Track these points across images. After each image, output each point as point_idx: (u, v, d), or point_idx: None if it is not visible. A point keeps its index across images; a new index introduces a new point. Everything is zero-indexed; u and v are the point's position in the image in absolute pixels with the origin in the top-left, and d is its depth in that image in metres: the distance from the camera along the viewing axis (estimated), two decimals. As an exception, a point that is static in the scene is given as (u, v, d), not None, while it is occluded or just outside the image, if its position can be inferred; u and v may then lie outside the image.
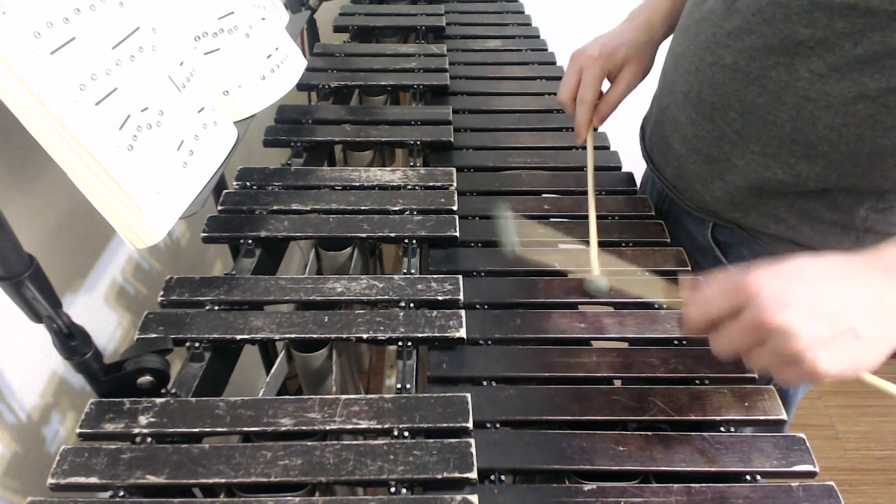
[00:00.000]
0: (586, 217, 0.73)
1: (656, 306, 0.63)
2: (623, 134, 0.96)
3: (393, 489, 0.46)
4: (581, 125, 0.74)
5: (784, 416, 0.53)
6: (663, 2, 0.76)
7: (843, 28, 0.53)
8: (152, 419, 0.50)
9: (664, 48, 0.77)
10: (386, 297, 0.60)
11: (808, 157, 0.60)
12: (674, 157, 0.72)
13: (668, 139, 0.73)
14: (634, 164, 0.88)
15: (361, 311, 0.59)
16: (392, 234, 0.68)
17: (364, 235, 0.67)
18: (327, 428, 0.49)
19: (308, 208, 0.70)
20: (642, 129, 0.84)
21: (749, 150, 0.63)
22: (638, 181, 0.83)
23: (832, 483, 0.48)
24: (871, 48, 0.53)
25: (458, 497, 0.45)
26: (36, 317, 0.46)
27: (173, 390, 0.54)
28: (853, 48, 0.53)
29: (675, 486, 0.47)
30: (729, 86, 0.62)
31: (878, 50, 0.53)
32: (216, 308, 0.59)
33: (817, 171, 0.60)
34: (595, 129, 0.76)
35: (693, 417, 0.52)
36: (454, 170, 0.77)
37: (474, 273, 0.66)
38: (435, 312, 0.59)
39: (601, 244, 0.69)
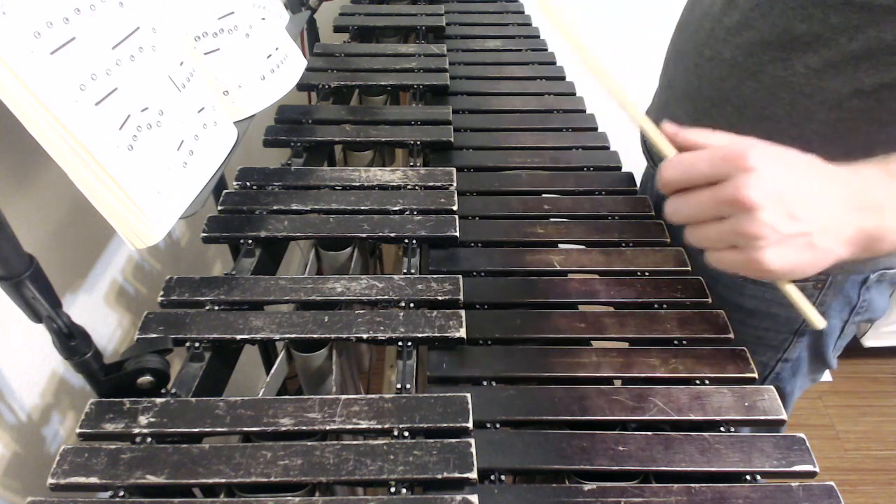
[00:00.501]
0: (586, 217, 0.73)
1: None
2: (623, 134, 0.96)
3: (393, 489, 0.46)
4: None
5: (784, 416, 0.53)
6: None
7: (838, 23, 0.53)
8: (152, 419, 0.50)
9: (664, 45, 0.77)
10: (386, 297, 0.60)
11: (803, 152, 0.60)
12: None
13: None
14: (634, 164, 0.88)
15: (361, 311, 0.59)
16: (392, 234, 0.68)
17: (364, 235, 0.67)
18: (327, 428, 0.49)
19: (308, 208, 0.70)
20: None
21: None
22: (638, 181, 0.83)
23: (832, 483, 0.48)
24: (866, 43, 0.53)
25: (458, 497, 0.45)
26: (36, 317, 0.46)
27: (173, 390, 0.54)
28: (848, 43, 0.54)
29: (675, 486, 0.47)
30: (726, 81, 0.63)
31: (872, 45, 0.53)
32: (216, 308, 0.59)
33: None
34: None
35: (693, 417, 0.52)
36: (454, 170, 0.77)
37: (474, 273, 0.66)
38: (435, 312, 0.59)
39: (601, 244, 0.69)
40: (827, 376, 1.73)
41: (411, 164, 0.80)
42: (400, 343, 0.57)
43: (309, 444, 0.48)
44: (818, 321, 0.47)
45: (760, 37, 0.59)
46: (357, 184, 0.74)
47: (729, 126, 0.64)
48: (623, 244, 0.70)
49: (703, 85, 0.65)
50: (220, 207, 0.70)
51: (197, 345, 0.56)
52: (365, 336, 0.57)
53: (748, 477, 0.48)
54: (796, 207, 0.41)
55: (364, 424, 0.49)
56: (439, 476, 0.46)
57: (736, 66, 0.61)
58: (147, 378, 0.52)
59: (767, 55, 0.58)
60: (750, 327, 0.73)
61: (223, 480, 0.46)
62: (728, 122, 0.64)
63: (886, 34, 0.52)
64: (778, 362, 0.75)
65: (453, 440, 0.48)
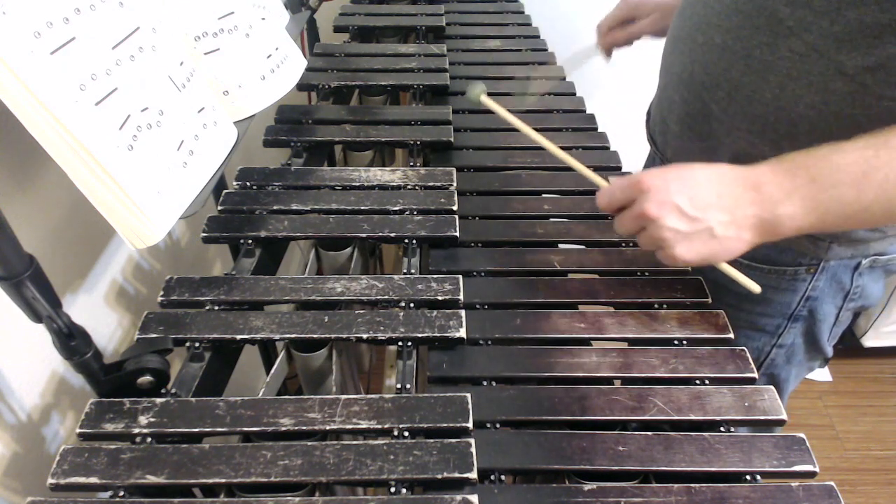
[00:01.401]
0: (586, 217, 0.73)
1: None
2: (623, 134, 0.96)
3: (393, 489, 0.46)
4: (597, 44, 0.93)
5: (784, 416, 0.53)
6: None
7: (820, 6, 0.55)
8: (152, 419, 0.50)
9: (660, 41, 0.77)
10: (386, 297, 0.60)
11: (791, 136, 0.61)
12: (672, 136, 0.74)
13: (667, 119, 0.74)
14: (634, 164, 0.88)
15: (361, 311, 0.59)
16: (392, 234, 0.68)
17: (364, 235, 0.67)
18: (327, 428, 0.49)
19: (308, 208, 0.70)
20: (648, 112, 0.85)
21: (735, 128, 0.64)
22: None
23: (832, 483, 0.48)
24: (847, 26, 0.54)
25: (458, 497, 0.45)
26: (36, 317, 0.46)
27: (173, 390, 0.54)
28: (830, 26, 0.55)
29: (675, 486, 0.47)
30: (717, 65, 0.64)
31: (853, 28, 0.54)
32: (216, 308, 0.59)
33: (800, 148, 0.60)
34: (608, 53, 0.94)
35: (693, 417, 0.52)
36: (454, 170, 0.77)
37: (474, 273, 0.66)
38: (435, 312, 0.59)
39: (601, 244, 0.70)
40: (827, 376, 1.73)
41: (411, 164, 0.80)
42: (400, 343, 0.57)
43: (309, 444, 0.48)
44: (753, 287, 0.60)
45: (749, 21, 0.60)
46: (357, 184, 0.74)
47: (720, 110, 0.65)
48: (623, 244, 0.70)
49: (696, 69, 0.67)
50: (220, 207, 0.70)
51: (197, 345, 0.56)
52: (365, 336, 0.57)
53: (748, 477, 0.48)
54: (691, 210, 0.52)
55: (364, 424, 0.49)
56: (439, 476, 0.46)
57: (726, 50, 0.62)
58: (147, 378, 0.52)
59: (755, 39, 0.60)
60: (744, 312, 0.73)
61: (223, 480, 0.46)
62: (719, 106, 0.65)
63: (867, 17, 0.53)
64: (773, 348, 0.75)
65: (453, 440, 0.48)
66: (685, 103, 0.69)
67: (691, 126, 0.69)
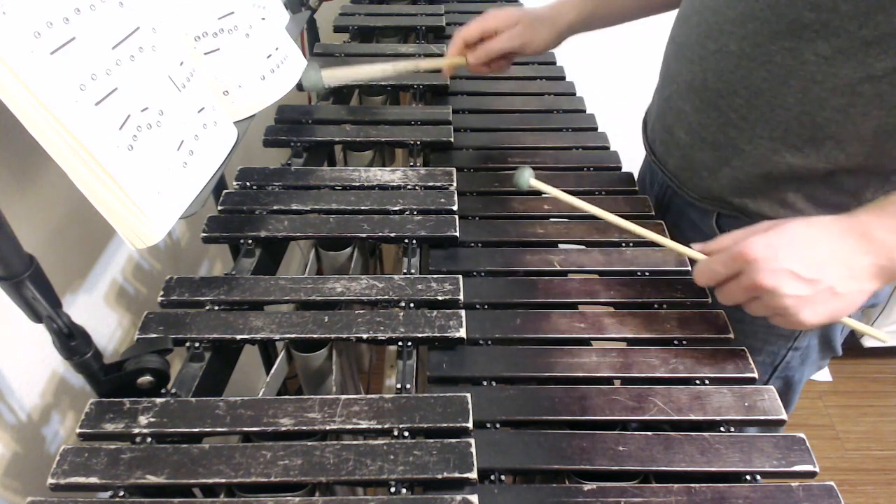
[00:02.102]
0: (586, 217, 0.73)
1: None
2: (623, 134, 0.96)
3: (393, 489, 0.46)
4: (448, 52, 0.83)
5: (784, 416, 0.53)
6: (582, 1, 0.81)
7: (847, 10, 0.54)
8: (152, 419, 0.50)
9: (663, 40, 0.77)
10: (386, 297, 0.60)
11: (816, 140, 0.60)
12: (677, 146, 0.73)
13: (672, 129, 0.73)
14: (634, 164, 0.88)
15: (361, 311, 0.59)
16: (392, 234, 0.68)
17: (364, 235, 0.67)
18: (327, 428, 0.49)
19: (308, 208, 0.70)
20: (644, 121, 0.84)
21: (756, 135, 0.64)
22: (636, 178, 0.83)
23: (832, 483, 0.48)
24: (877, 29, 0.53)
25: (458, 497, 0.45)
26: (36, 317, 0.46)
27: (173, 390, 0.54)
28: (858, 30, 0.54)
29: (675, 486, 0.47)
30: (734, 72, 0.63)
31: (884, 31, 0.53)
32: (216, 308, 0.59)
33: (825, 152, 0.60)
34: (465, 64, 0.83)
35: (693, 417, 0.52)
36: (454, 170, 0.77)
37: (474, 273, 0.66)
38: (435, 312, 0.59)
39: (601, 244, 0.69)
40: (827, 376, 1.73)
41: (411, 164, 0.80)
42: (400, 343, 0.57)
43: (309, 444, 0.48)
44: (883, 337, 0.58)
45: (768, 27, 0.59)
46: (357, 184, 0.74)
47: (739, 118, 0.64)
48: (623, 244, 0.70)
49: (708, 77, 0.66)
50: (220, 207, 0.70)
51: (197, 345, 0.56)
52: (365, 336, 0.57)
53: (748, 477, 0.48)
54: (806, 273, 0.50)
55: (364, 424, 0.49)
56: (439, 476, 0.46)
57: (743, 57, 0.62)
58: (147, 378, 0.52)
59: (775, 45, 0.59)
60: (761, 318, 0.73)
61: (223, 480, 0.46)
62: (738, 113, 0.64)
63: None
64: (789, 351, 0.75)
65: (453, 440, 0.48)
66: (697, 112, 0.68)
67: (704, 136, 0.68)
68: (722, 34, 0.63)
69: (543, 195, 0.67)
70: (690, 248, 0.59)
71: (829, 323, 0.54)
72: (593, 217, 0.73)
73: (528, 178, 0.65)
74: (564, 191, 0.77)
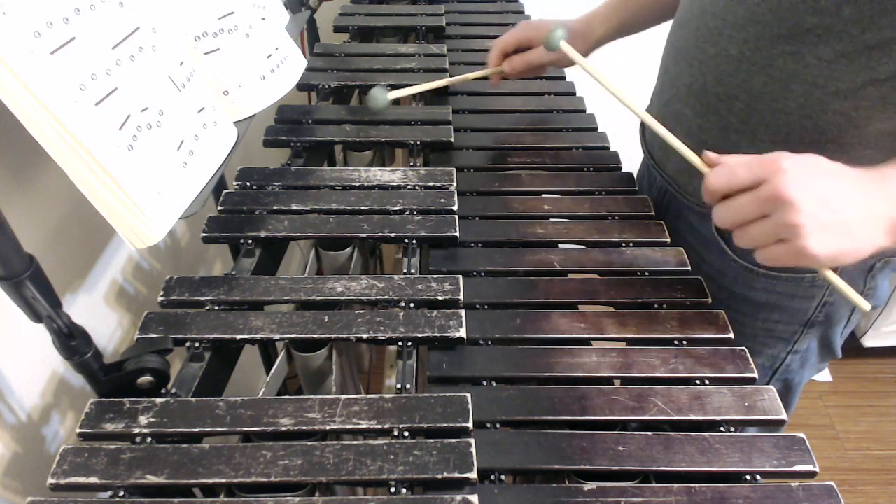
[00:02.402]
0: (586, 217, 0.73)
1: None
2: (623, 134, 0.96)
3: (393, 489, 0.46)
4: (489, 63, 0.86)
5: (784, 417, 0.53)
6: (610, 7, 0.83)
7: (850, 15, 0.54)
8: (152, 419, 0.50)
9: (661, 43, 0.77)
10: (386, 297, 0.60)
11: (817, 143, 0.60)
12: (676, 150, 0.73)
13: (672, 132, 0.73)
14: (634, 164, 0.88)
15: (361, 311, 0.59)
16: (392, 234, 0.68)
17: (364, 235, 0.67)
18: (327, 428, 0.49)
19: (308, 208, 0.70)
20: (642, 125, 0.84)
21: (757, 140, 0.63)
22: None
23: (832, 483, 0.48)
24: (880, 33, 0.53)
25: (458, 497, 0.45)
26: (36, 317, 0.46)
27: (173, 390, 0.54)
28: (861, 34, 0.54)
29: (675, 486, 0.47)
30: (734, 76, 0.63)
31: (887, 35, 0.53)
32: (216, 308, 0.59)
33: (826, 155, 0.60)
34: (496, 79, 0.87)
35: (693, 417, 0.52)
36: (454, 170, 0.77)
37: (474, 273, 0.66)
38: (435, 312, 0.59)
39: (601, 244, 0.70)
40: (827, 376, 1.74)
41: (411, 164, 0.80)
42: (400, 343, 0.57)
43: (309, 444, 0.48)
44: (864, 304, 0.54)
45: (769, 31, 0.59)
46: (357, 184, 0.74)
47: (739, 122, 0.64)
48: (623, 244, 0.70)
49: (708, 81, 0.65)
50: (220, 207, 0.70)
51: (197, 345, 0.56)
52: (365, 336, 0.57)
53: (748, 477, 0.48)
54: (831, 200, 0.47)
55: (364, 424, 0.49)
56: (439, 476, 0.46)
57: (744, 61, 0.61)
58: (147, 378, 0.52)
59: (777, 49, 0.59)
60: (760, 320, 0.73)
61: (223, 480, 0.46)
62: (738, 117, 0.64)
63: None
64: (788, 354, 0.75)
65: (453, 440, 0.48)
66: (698, 116, 0.68)
67: (704, 140, 0.68)
68: (722, 38, 0.63)
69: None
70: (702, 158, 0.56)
71: (829, 264, 0.49)
72: (594, 217, 0.73)
73: (559, 38, 0.67)
74: (565, 191, 0.78)
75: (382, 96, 0.78)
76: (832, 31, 0.55)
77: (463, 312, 0.59)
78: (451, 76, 0.94)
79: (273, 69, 0.70)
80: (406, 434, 0.49)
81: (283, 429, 0.49)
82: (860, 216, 0.48)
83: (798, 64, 0.58)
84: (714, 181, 0.51)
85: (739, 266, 0.71)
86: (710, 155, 0.54)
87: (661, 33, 0.78)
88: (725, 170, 0.50)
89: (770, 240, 0.49)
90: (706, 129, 0.67)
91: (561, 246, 0.70)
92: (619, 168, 0.82)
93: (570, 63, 0.81)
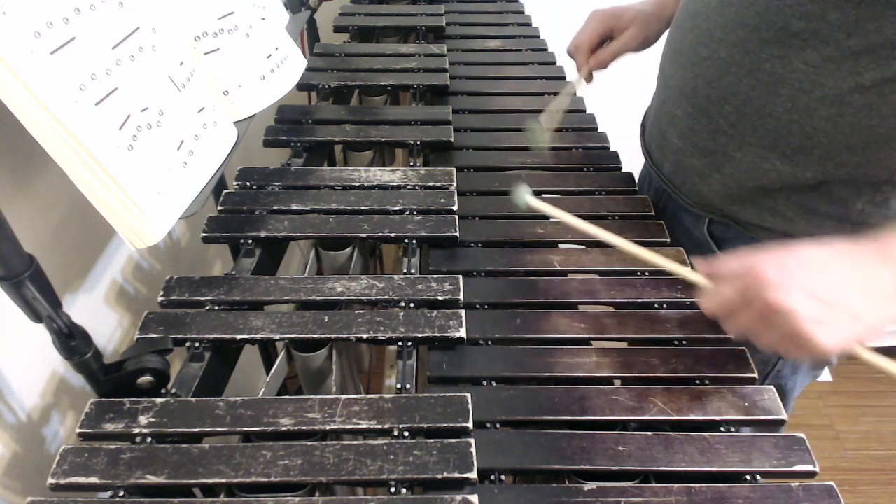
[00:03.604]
0: (586, 217, 0.73)
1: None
2: (623, 134, 0.96)
3: (393, 489, 0.46)
4: (578, 67, 0.84)
5: (784, 416, 0.53)
6: None
7: (836, 19, 0.54)
8: (152, 419, 0.50)
9: (660, 44, 0.77)
10: (386, 297, 0.60)
11: (805, 149, 0.60)
12: (671, 151, 0.73)
13: (666, 133, 0.73)
14: (634, 164, 0.88)
15: (361, 311, 0.59)
16: (392, 234, 0.68)
17: (364, 235, 0.67)
18: (327, 428, 0.49)
19: (308, 208, 0.70)
20: (643, 124, 0.84)
21: (746, 143, 0.63)
22: (636, 180, 0.83)
23: (832, 483, 0.48)
24: (866, 39, 0.53)
25: (458, 497, 0.45)
26: (36, 317, 0.46)
27: (173, 390, 0.54)
28: (847, 39, 0.54)
29: (675, 486, 0.47)
30: (724, 79, 0.63)
31: (872, 40, 0.53)
32: (216, 308, 0.59)
33: (814, 161, 0.60)
34: (590, 76, 0.85)
35: (693, 417, 0.52)
36: (454, 170, 0.77)
37: (474, 273, 0.66)
38: (435, 312, 0.59)
39: (600, 244, 0.69)
40: (827, 376, 1.73)
41: (411, 164, 0.80)
42: (400, 343, 0.57)
43: (309, 444, 0.48)
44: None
45: (757, 35, 0.59)
46: (357, 184, 0.74)
47: (728, 125, 0.64)
48: (623, 244, 0.69)
49: (699, 84, 0.66)
50: (220, 207, 0.70)
51: (197, 345, 0.56)
52: (365, 336, 0.57)
53: (748, 477, 0.48)
54: (826, 294, 0.46)
55: (364, 424, 0.49)
56: (439, 476, 0.46)
57: (733, 63, 0.61)
58: (147, 378, 0.52)
59: (765, 53, 0.59)
60: None
61: (223, 480, 0.46)
62: (727, 120, 0.64)
63: (886, 29, 0.52)
64: (780, 359, 0.75)
65: (453, 440, 0.48)
66: (689, 118, 0.68)
67: (695, 142, 0.68)
68: (713, 41, 0.63)
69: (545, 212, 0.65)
70: (695, 271, 0.56)
71: (847, 349, 0.48)
72: (593, 217, 0.73)
73: (524, 195, 0.63)
74: (565, 191, 0.78)
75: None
76: (818, 35, 0.55)
77: (463, 312, 0.59)
78: (451, 77, 0.94)
79: (273, 69, 0.70)
80: (406, 434, 0.49)
81: (283, 429, 0.49)
82: (863, 298, 0.47)
83: (785, 68, 0.58)
84: (707, 308, 0.52)
85: None
86: (703, 265, 0.54)
87: (663, 36, 0.78)
88: (715, 295, 0.51)
89: (786, 344, 0.48)
90: (697, 131, 0.68)
91: (561, 246, 0.70)
92: (619, 168, 0.82)
93: (649, 46, 0.81)
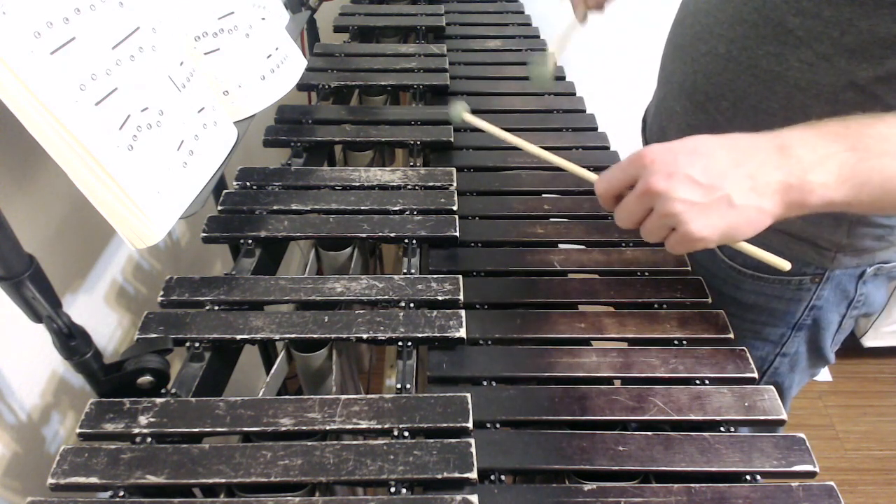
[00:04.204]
0: (586, 217, 0.73)
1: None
2: (623, 134, 0.96)
3: (393, 489, 0.46)
4: (574, 8, 0.78)
5: (784, 416, 0.53)
6: None
7: (830, 16, 0.54)
8: (152, 419, 0.50)
9: (660, 37, 0.76)
10: (386, 297, 0.60)
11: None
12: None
13: (666, 129, 0.73)
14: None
15: (361, 311, 0.59)
16: (392, 234, 0.68)
17: (364, 235, 0.67)
18: (327, 428, 0.49)
19: (308, 208, 0.70)
20: (644, 120, 0.84)
21: None
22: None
23: (832, 483, 0.48)
24: (859, 37, 0.53)
25: (458, 497, 0.45)
26: (36, 317, 0.46)
27: (173, 390, 0.54)
28: (841, 37, 0.54)
29: (675, 486, 0.47)
30: (722, 75, 0.63)
31: (865, 39, 0.53)
32: (216, 308, 0.59)
33: None
34: (585, 16, 0.80)
35: (693, 417, 0.52)
36: (454, 170, 0.77)
37: (474, 273, 0.66)
38: (435, 312, 0.59)
39: (601, 244, 0.70)
40: (827, 376, 1.73)
41: (411, 164, 0.80)
42: (400, 343, 0.57)
43: (309, 444, 0.48)
44: (783, 263, 0.52)
45: (755, 31, 0.59)
46: (357, 184, 0.74)
47: (725, 120, 0.64)
48: (623, 244, 0.70)
49: (698, 79, 0.66)
50: (220, 207, 0.70)
51: (197, 345, 0.56)
52: (365, 336, 0.57)
53: (748, 477, 0.48)
54: (703, 178, 0.45)
55: (364, 424, 0.49)
56: (439, 476, 0.46)
57: (731, 60, 0.62)
58: (147, 378, 0.52)
59: (762, 49, 0.59)
60: (748, 322, 0.73)
61: (223, 480, 0.46)
62: (724, 116, 0.64)
63: (880, 27, 0.52)
64: (776, 357, 0.75)
65: (453, 440, 0.48)
66: (687, 113, 0.69)
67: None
68: (712, 37, 0.63)
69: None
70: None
71: (724, 241, 0.48)
72: (594, 217, 0.73)
73: (460, 111, 0.63)
74: (565, 191, 0.78)
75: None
76: (813, 32, 0.55)
77: (463, 312, 0.59)
78: (451, 77, 0.94)
79: (273, 69, 0.70)
80: (406, 434, 0.49)
81: (283, 429, 0.49)
82: (742, 186, 0.45)
83: (781, 66, 0.58)
84: (597, 189, 0.51)
85: (728, 266, 0.71)
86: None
87: (663, 30, 0.78)
88: (605, 175, 0.51)
89: (663, 232, 0.48)
90: (695, 126, 0.68)
91: (561, 246, 0.70)
92: (619, 168, 0.82)
93: None
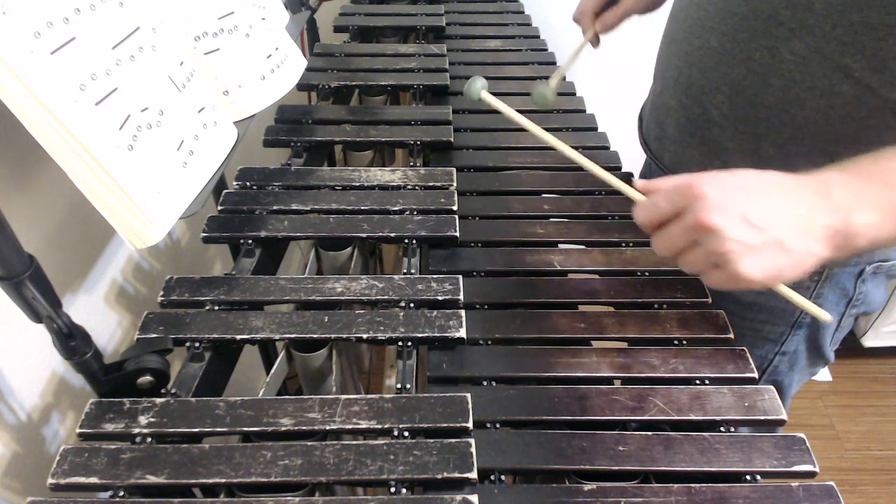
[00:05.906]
0: (586, 217, 0.73)
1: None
2: (623, 134, 0.96)
3: (393, 489, 0.46)
4: (584, 31, 0.79)
5: (784, 417, 0.53)
6: None
7: (821, 8, 0.54)
8: (152, 419, 0.50)
9: (658, 35, 0.77)
10: (386, 297, 0.60)
11: (797, 138, 0.60)
12: (670, 142, 0.73)
13: (664, 124, 0.73)
14: (634, 164, 0.88)
15: (361, 311, 0.59)
16: (392, 234, 0.68)
17: (364, 235, 0.67)
18: (327, 428, 0.49)
19: (308, 208, 0.70)
20: (640, 116, 0.84)
21: (738, 132, 0.64)
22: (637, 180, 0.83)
23: (832, 483, 0.48)
24: (851, 28, 0.53)
25: (458, 497, 0.45)
26: (36, 317, 0.46)
27: (173, 390, 0.54)
28: (832, 29, 0.54)
29: (675, 486, 0.47)
30: (716, 69, 0.63)
31: (857, 30, 0.53)
32: (216, 308, 0.59)
33: (805, 151, 0.60)
34: (597, 39, 0.81)
35: (693, 417, 0.52)
36: (454, 170, 0.77)
37: (474, 273, 0.66)
38: (435, 312, 0.59)
39: (601, 244, 0.70)
40: (827, 376, 1.73)
41: (411, 164, 0.80)
42: (400, 343, 0.57)
43: (309, 444, 0.48)
44: (824, 316, 0.51)
45: (746, 24, 0.59)
46: (357, 184, 0.74)
47: (720, 115, 0.64)
48: (623, 244, 0.70)
49: (693, 73, 0.66)
50: (220, 207, 0.70)
51: (197, 345, 0.56)
52: (365, 336, 0.57)
53: (748, 477, 0.48)
54: (757, 219, 0.44)
55: (364, 424, 0.49)
56: (439, 476, 0.46)
57: (724, 53, 0.62)
58: (147, 378, 0.52)
59: (754, 42, 0.59)
60: (747, 320, 0.73)
61: (223, 480, 0.46)
62: (719, 110, 0.64)
63: (871, 18, 0.52)
64: (776, 355, 0.75)
65: (453, 440, 0.48)
66: (683, 108, 0.69)
67: (691, 131, 0.69)
68: (705, 30, 0.63)
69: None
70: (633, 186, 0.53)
71: (769, 284, 0.47)
72: (593, 217, 0.73)
73: (479, 88, 0.61)
74: (565, 191, 0.78)
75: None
76: (804, 25, 0.55)
77: (463, 312, 0.59)
78: (451, 77, 0.94)
79: (273, 69, 0.70)
80: (406, 434, 0.49)
81: (283, 429, 0.49)
82: (794, 230, 0.45)
83: (775, 59, 0.58)
84: (639, 217, 0.49)
85: None
86: (639, 183, 0.52)
87: (661, 29, 0.78)
88: (648, 204, 0.48)
89: (707, 266, 0.47)
90: (691, 120, 0.68)
91: (561, 246, 0.70)
92: (619, 168, 0.82)
93: (655, 7, 0.78)
